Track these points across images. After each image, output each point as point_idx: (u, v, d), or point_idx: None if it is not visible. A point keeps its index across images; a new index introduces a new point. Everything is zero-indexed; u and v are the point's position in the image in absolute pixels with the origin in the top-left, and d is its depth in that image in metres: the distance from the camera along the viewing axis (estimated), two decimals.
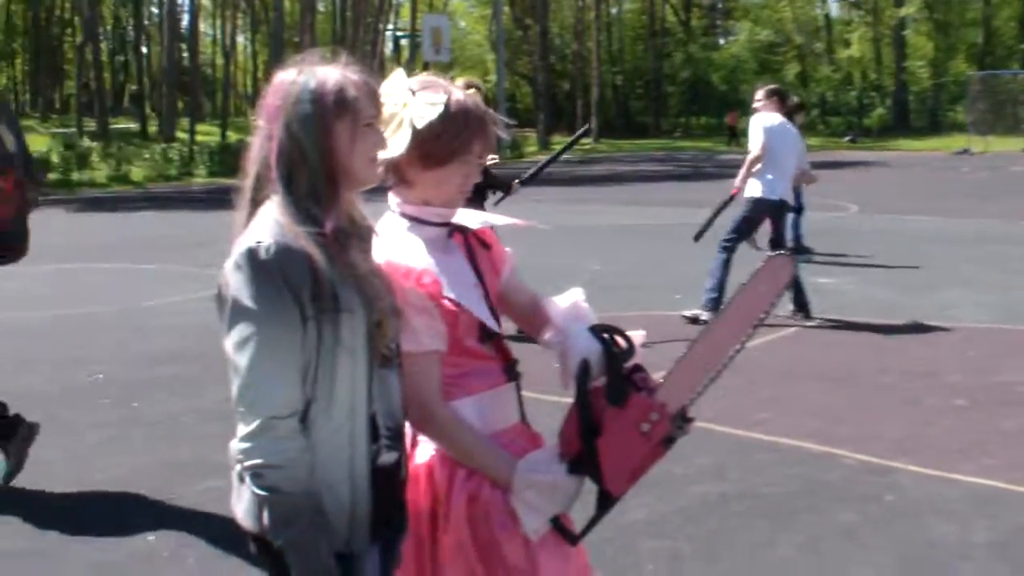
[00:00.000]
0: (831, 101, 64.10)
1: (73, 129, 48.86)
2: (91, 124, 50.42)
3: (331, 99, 2.20)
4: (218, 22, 76.21)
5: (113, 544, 4.84)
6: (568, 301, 2.72)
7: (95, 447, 6.30)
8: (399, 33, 66.20)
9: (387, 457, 2.29)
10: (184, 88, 60.95)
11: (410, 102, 2.50)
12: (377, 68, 60.42)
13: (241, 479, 2.18)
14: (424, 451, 2.59)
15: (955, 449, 6.08)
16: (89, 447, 6.29)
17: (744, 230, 9.85)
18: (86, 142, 34.26)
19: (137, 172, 31.04)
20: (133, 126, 58.31)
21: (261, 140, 2.25)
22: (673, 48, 71.37)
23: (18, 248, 5.61)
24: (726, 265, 9.54)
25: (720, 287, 9.37)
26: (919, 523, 4.99)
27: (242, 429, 2.11)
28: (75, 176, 29.47)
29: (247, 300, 2.10)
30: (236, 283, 2.12)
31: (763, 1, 73.40)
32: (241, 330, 2.11)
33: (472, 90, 2.68)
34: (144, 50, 73.02)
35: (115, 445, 6.32)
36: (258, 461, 2.09)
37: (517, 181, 9.07)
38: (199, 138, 44.01)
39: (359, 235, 2.34)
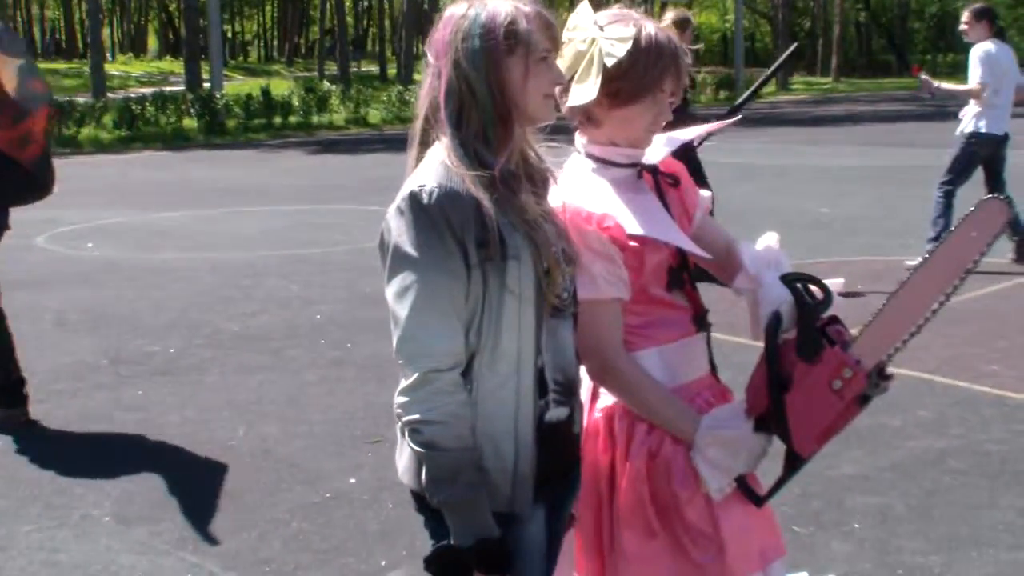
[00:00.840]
0: None
1: (315, 73, 50.45)
2: (333, 68, 51.94)
3: (502, 32, 2.09)
4: None
5: (315, 485, 4.93)
6: (762, 246, 2.55)
7: (311, 386, 6.46)
8: None
9: (556, 413, 2.18)
10: (423, 31, 62.04)
11: (598, 38, 2.37)
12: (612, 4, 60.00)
13: (403, 433, 2.12)
14: (604, 404, 2.49)
15: None
16: (305, 386, 6.44)
17: (963, 169, 9.24)
18: (326, 85, 35.16)
19: (374, 114, 31.56)
20: (374, 69, 59.77)
21: (431, 79, 2.16)
22: None
23: (46, 187, 5.68)
24: (948, 210, 8.99)
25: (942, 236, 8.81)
26: None
27: (402, 382, 2.05)
28: (315, 119, 30.23)
29: (408, 247, 2.03)
30: (397, 229, 2.05)
31: None
32: (402, 279, 2.04)
33: (673, 21, 2.54)
34: None
35: (329, 385, 6.46)
36: (416, 416, 2.02)
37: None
38: None
39: (533, 177, 2.24)
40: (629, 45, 2.34)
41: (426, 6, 50.86)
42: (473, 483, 2.04)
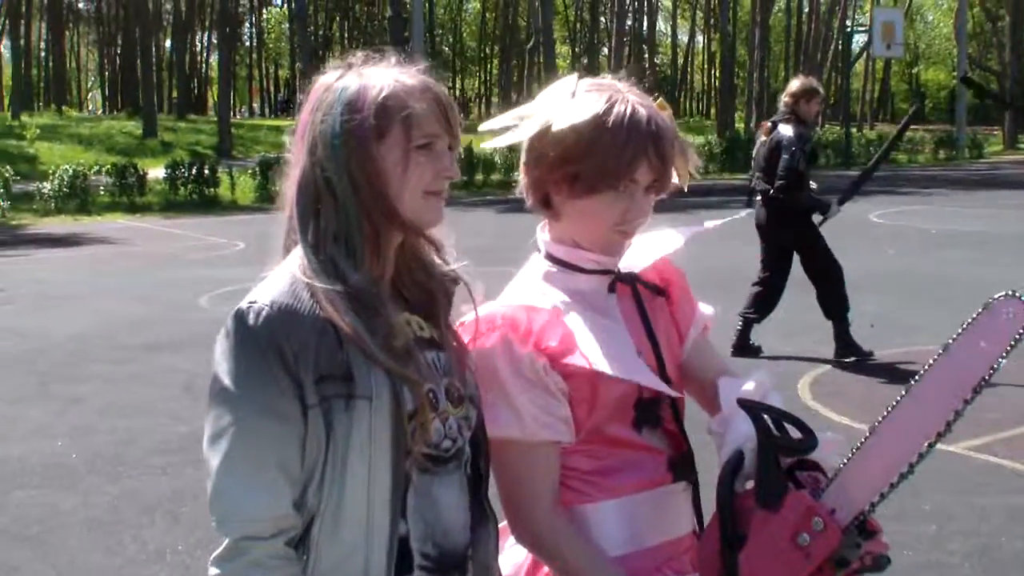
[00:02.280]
0: None
1: None
2: None
3: (371, 112, 1.68)
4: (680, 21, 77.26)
5: None
6: (749, 385, 1.98)
7: None
8: (858, 28, 63.76)
9: None
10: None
11: (562, 105, 1.92)
12: (828, 65, 58.48)
13: None
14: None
15: None
16: None
17: None
18: None
19: None
20: None
21: (291, 168, 1.76)
22: None
23: None
24: None
25: None
26: None
27: (217, 549, 1.63)
28: (518, 176, 30.27)
29: (227, 379, 1.62)
30: (219, 355, 1.65)
31: None
32: (216, 418, 1.63)
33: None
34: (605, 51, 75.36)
35: None
36: None
37: (836, 201, 8.11)
38: None
39: (429, 290, 1.82)
40: (585, 117, 1.87)
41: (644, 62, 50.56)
42: None
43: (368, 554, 1.65)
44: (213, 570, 1.62)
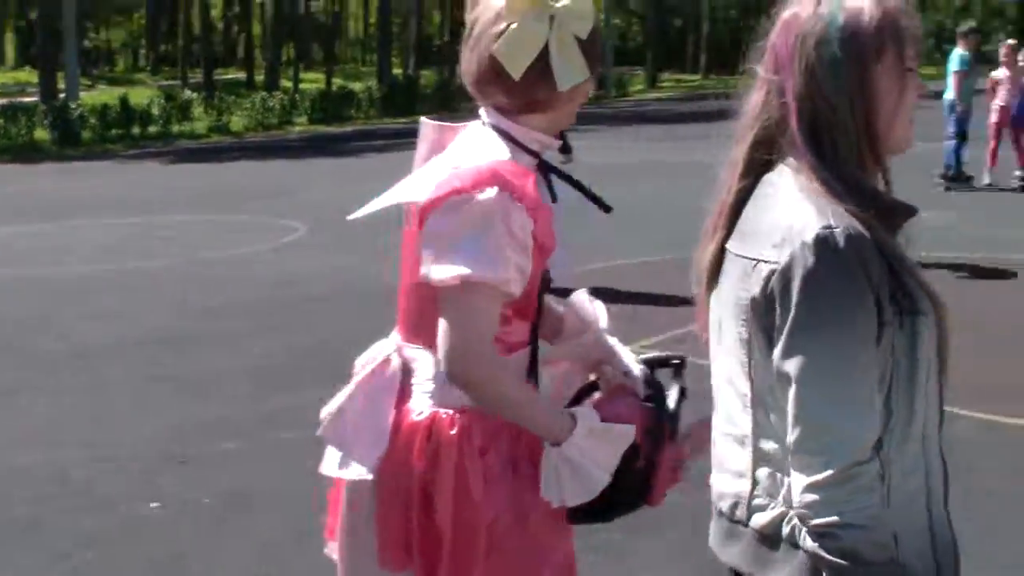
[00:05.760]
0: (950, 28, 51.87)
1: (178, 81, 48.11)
2: (198, 75, 49.42)
3: (870, 36, 1.66)
4: None
5: (108, 513, 4.56)
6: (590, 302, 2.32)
7: (125, 405, 6.09)
8: None
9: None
10: (295, 36, 57.08)
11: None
12: None
13: (774, 536, 1.71)
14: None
15: None
16: (117, 405, 6.07)
17: None
18: (187, 93, 33.62)
19: (237, 122, 30.11)
20: (242, 76, 55.36)
21: (764, 96, 1.74)
22: None
23: None
24: None
25: None
26: None
27: (808, 476, 1.60)
28: (175, 128, 28.89)
29: (827, 308, 1.58)
30: (810, 282, 1.59)
31: None
32: (817, 348, 1.59)
33: None
34: None
35: (144, 403, 6.08)
36: (834, 519, 1.58)
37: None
38: (305, 87, 42.72)
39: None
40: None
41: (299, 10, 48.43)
42: None
43: (928, 465, 1.71)
44: (811, 496, 1.59)
